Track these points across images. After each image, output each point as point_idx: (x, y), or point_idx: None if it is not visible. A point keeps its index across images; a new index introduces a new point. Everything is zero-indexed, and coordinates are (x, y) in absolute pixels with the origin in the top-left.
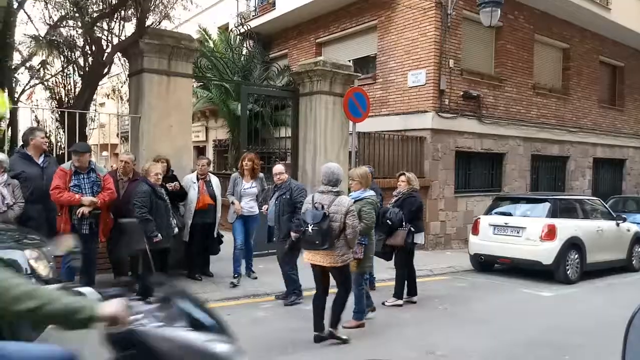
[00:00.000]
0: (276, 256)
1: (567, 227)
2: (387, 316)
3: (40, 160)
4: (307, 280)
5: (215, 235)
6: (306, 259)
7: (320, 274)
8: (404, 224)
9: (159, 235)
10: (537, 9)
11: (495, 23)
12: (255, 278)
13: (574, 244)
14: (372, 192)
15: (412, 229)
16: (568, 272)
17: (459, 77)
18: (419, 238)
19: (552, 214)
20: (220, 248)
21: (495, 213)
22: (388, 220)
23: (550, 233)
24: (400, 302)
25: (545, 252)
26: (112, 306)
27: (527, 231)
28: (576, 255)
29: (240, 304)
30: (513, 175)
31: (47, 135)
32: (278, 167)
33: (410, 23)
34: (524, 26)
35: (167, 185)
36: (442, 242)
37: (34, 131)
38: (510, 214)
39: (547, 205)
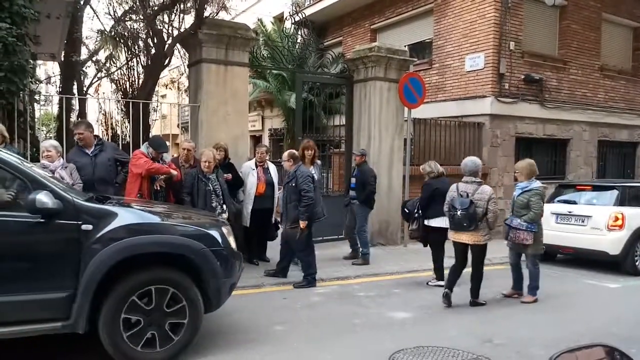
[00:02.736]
0: (284, 240)
1: (637, 216)
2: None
3: (90, 151)
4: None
5: (273, 222)
6: (452, 238)
7: (462, 250)
8: (417, 211)
9: None
10: None
11: (559, 2)
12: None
13: None
14: (538, 183)
15: (418, 214)
16: (637, 263)
17: (520, 59)
18: (437, 222)
19: (621, 202)
20: (278, 234)
21: (558, 201)
22: (405, 209)
23: (618, 222)
24: (441, 282)
25: (612, 242)
26: None
27: (593, 220)
28: None
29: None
30: (578, 162)
31: (111, 124)
32: (284, 155)
33: (468, 5)
34: (590, 5)
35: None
36: (501, 231)
37: (73, 127)
38: (574, 202)
39: (615, 192)
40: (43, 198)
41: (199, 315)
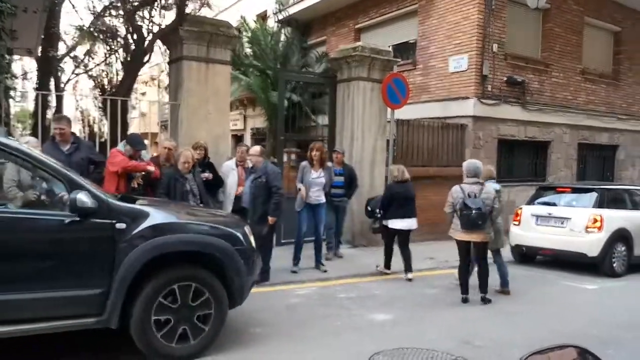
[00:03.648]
0: (258, 243)
1: (615, 218)
2: (426, 303)
3: (65, 148)
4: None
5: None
6: (460, 237)
7: (466, 249)
8: (378, 211)
9: None
10: None
11: (542, 5)
12: (325, 271)
13: (621, 236)
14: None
15: (379, 215)
16: (614, 265)
17: (503, 62)
18: (393, 223)
19: (599, 204)
20: None
21: (538, 203)
22: (368, 207)
23: (597, 224)
24: (387, 271)
25: (591, 244)
26: None
27: (572, 222)
28: (623, 248)
29: (276, 290)
30: (558, 164)
31: (89, 121)
32: (254, 149)
33: (452, 7)
34: (573, 8)
35: (201, 174)
36: None
37: (54, 121)
38: (554, 204)
39: (594, 195)
40: (83, 197)
41: (225, 311)
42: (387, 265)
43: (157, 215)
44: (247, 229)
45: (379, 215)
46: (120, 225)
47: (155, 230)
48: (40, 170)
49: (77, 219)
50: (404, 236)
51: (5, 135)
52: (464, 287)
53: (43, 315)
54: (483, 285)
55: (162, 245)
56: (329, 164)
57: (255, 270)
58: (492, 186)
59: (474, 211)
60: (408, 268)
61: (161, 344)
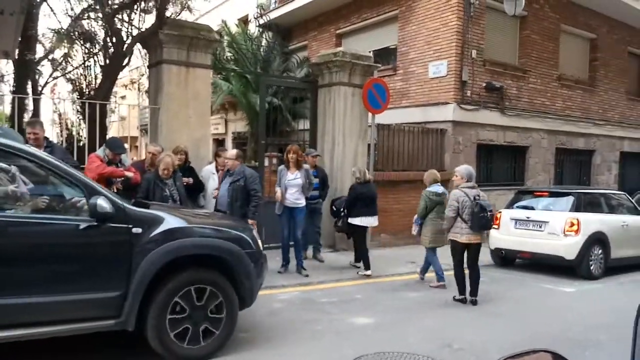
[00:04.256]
0: None
1: (591, 222)
2: (407, 307)
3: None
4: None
5: None
6: (465, 240)
7: (462, 252)
8: (342, 210)
9: None
10: None
11: (520, 12)
12: (307, 276)
13: (598, 239)
14: (431, 188)
15: (344, 214)
16: (591, 268)
17: (482, 68)
18: (358, 221)
19: (576, 208)
20: None
21: (517, 207)
22: (333, 207)
23: (574, 227)
24: (368, 272)
25: (568, 247)
26: None
27: (550, 225)
28: (600, 251)
29: (259, 294)
30: (536, 168)
31: (67, 125)
32: (230, 153)
33: (431, 13)
34: (550, 15)
35: (182, 179)
36: None
37: (27, 126)
38: (532, 208)
39: (571, 199)
40: (103, 203)
41: (236, 310)
42: (367, 265)
43: (171, 220)
44: (255, 232)
45: (342, 214)
46: (137, 230)
47: (170, 234)
48: (57, 176)
49: (95, 223)
50: (365, 231)
51: (21, 140)
52: (462, 286)
53: (64, 317)
54: (475, 290)
55: (175, 249)
56: (306, 166)
57: (263, 273)
58: (438, 189)
59: (488, 213)
60: (360, 261)
61: (175, 345)
